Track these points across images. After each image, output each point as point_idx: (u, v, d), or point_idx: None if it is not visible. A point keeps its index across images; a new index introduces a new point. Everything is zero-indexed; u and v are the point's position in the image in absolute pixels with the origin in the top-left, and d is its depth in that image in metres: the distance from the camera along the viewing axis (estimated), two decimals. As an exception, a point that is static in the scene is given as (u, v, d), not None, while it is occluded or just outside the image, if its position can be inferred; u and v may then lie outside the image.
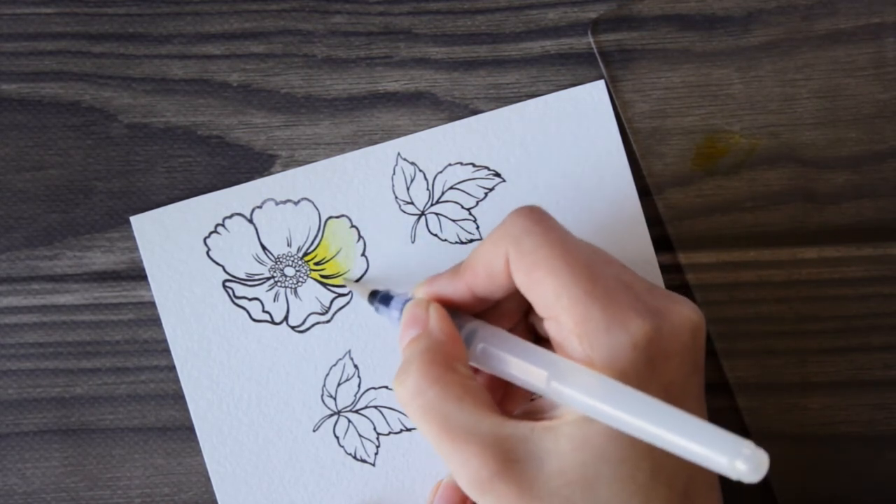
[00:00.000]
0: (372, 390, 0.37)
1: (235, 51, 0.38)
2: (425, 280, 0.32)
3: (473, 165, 0.37)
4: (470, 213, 0.37)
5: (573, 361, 0.27)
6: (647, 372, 0.27)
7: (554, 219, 0.30)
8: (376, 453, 0.37)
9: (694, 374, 0.29)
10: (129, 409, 0.37)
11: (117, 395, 0.37)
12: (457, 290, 0.31)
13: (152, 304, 0.37)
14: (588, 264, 0.28)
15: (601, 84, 0.37)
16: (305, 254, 0.37)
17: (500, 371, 0.30)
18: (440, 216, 0.37)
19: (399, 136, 0.38)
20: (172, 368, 0.37)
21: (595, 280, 0.28)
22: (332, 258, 0.37)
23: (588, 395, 0.26)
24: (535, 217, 0.29)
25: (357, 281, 0.37)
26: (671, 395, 0.27)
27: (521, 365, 0.29)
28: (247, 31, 0.38)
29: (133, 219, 0.37)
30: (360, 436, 0.37)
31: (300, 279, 0.37)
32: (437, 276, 0.32)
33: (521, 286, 0.29)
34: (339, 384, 0.37)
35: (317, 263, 0.37)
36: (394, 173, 0.37)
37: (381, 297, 0.35)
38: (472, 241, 0.37)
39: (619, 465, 0.26)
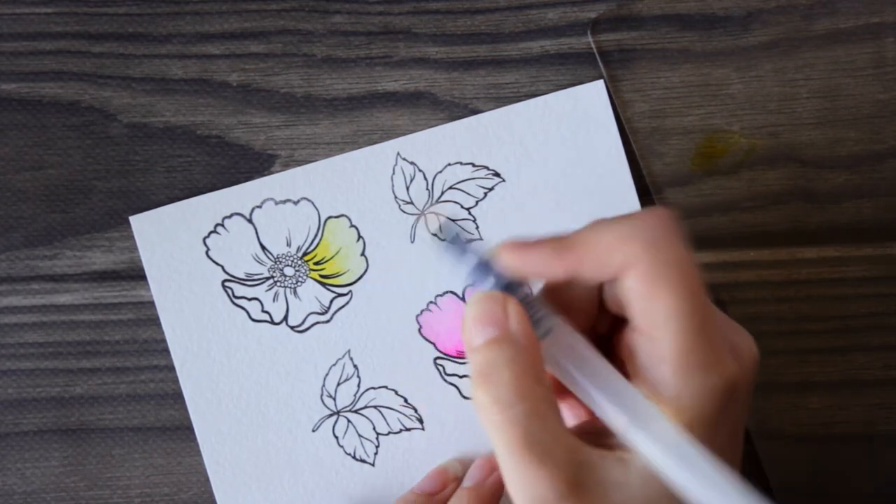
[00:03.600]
0: (371, 390, 0.37)
1: (235, 51, 0.38)
2: (511, 244, 0.27)
3: (473, 165, 0.37)
4: (469, 213, 0.37)
5: (656, 408, 0.26)
6: (722, 416, 0.26)
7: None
8: (376, 453, 0.37)
9: (746, 413, 0.28)
10: (128, 408, 0.37)
11: (117, 395, 0.37)
12: (554, 273, 0.27)
13: (152, 304, 0.37)
14: (701, 292, 0.27)
15: (601, 84, 0.37)
16: (305, 253, 0.37)
17: (573, 391, 0.28)
18: (440, 216, 0.37)
19: (399, 135, 0.38)
20: (172, 368, 0.37)
21: (706, 314, 0.26)
22: (331, 258, 0.37)
23: (664, 456, 0.26)
24: (674, 227, 0.27)
25: (358, 280, 0.37)
26: (732, 438, 0.27)
27: (601, 401, 0.27)
28: (247, 30, 0.38)
29: (132, 219, 0.37)
30: (359, 436, 0.37)
31: (300, 279, 0.37)
32: (529, 248, 0.27)
33: (631, 291, 0.27)
34: (338, 384, 0.37)
35: (316, 263, 0.37)
36: (393, 173, 0.37)
37: (464, 244, 0.28)
38: (471, 241, 0.37)
39: None
